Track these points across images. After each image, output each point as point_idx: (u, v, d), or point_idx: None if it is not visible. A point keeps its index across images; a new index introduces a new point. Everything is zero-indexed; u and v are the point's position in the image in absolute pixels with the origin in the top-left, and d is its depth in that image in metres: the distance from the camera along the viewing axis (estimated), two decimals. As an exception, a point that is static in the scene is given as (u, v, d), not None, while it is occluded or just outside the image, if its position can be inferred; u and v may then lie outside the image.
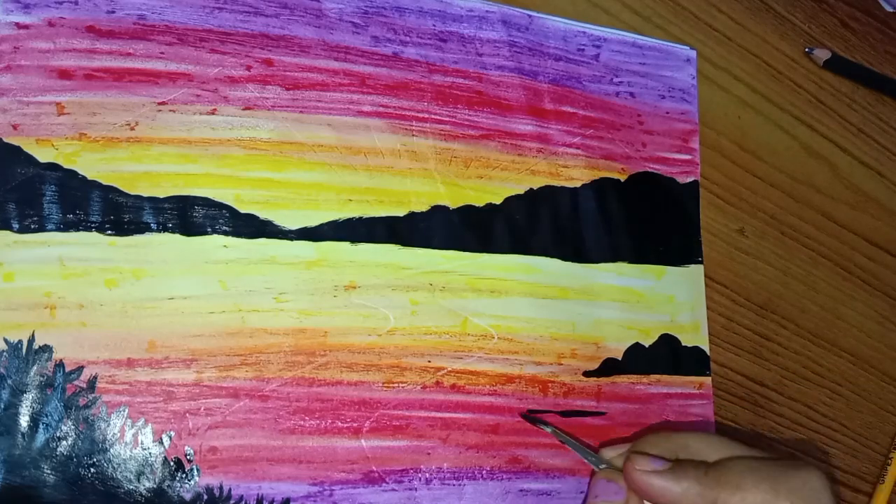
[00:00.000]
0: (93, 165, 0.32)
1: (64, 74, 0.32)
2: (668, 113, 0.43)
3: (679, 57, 0.43)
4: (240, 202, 0.34)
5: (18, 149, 0.31)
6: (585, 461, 0.36)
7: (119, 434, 0.31)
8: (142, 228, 0.32)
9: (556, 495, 0.37)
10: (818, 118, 0.47)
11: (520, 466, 0.36)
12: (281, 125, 0.35)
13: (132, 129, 0.33)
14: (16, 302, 0.31)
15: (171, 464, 0.31)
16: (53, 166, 0.32)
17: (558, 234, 0.39)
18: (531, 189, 0.39)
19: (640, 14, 0.43)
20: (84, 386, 0.31)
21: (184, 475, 0.32)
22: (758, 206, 0.45)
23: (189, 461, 0.32)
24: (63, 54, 0.32)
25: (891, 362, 0.47)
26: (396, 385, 0.35)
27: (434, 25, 0.38)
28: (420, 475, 0.35)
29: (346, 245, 0.35)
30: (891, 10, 0.50)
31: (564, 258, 0.39)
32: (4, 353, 0.30)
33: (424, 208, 0.37)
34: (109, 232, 0.32)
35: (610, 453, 0.36)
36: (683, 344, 0.41)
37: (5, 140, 0.31)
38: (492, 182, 0.38)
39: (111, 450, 0.31)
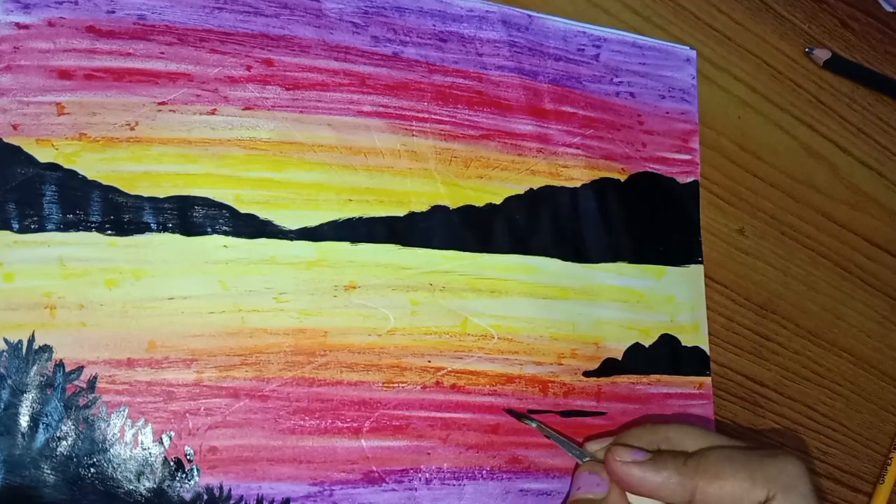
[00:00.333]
0: (93, 165, 0.32)
1: (64, 74, 0.32)
2: (668, 113, 0.43)
3: (679, 57, 0.43)
4: (240, 202, 0.34)
5: (18, 149, 0.31)
6: (570, 455, 0.36)
7: (119, 434, 0.31)
8: (142, 228, 0.32)
9: (556, 495, 0.37)
10: (818, 118, 0.47)
11: (520, 466, 0.36)
12: (281, 125, 0.35)
13: (132, 129, 0.33)
14: (16, 302, 0.31)
15: (171, 464, 0.31)
16: (53, 166, 0.32)
17: (558, 234, 0.39)
18: (531, 189, 0.39)
19: (640, 14, 0.43)
20: (84, 386, 0.31)
21: (184, 475, 0.32)
22: (758, 206, 0.45)
23: (189, 461, 0.32)
24: (63, 54, 0.32)
25: (891, 362, 0.47)
26: (396, 385, 0.35)
27: (434, 25, 0.38)
28: (420, 475, 0.35)
29: (346, 245, 0.35)
30: (891, 10, 0.50)
31: (564, 258, 0.39)
32: (4, 353, 0.30)
33: (424, 208, 0.37)
34: (109, 232, 0.32)
35: (594, 446, 0.36)
36: (683, 344, 0.41)
37: (5, 140, 0.31)
38: (492, 182, 0.38)
39: (111, 450, 0.31)
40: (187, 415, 0.32)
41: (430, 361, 0.36)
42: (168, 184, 0.33)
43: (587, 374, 0.38)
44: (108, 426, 0.31)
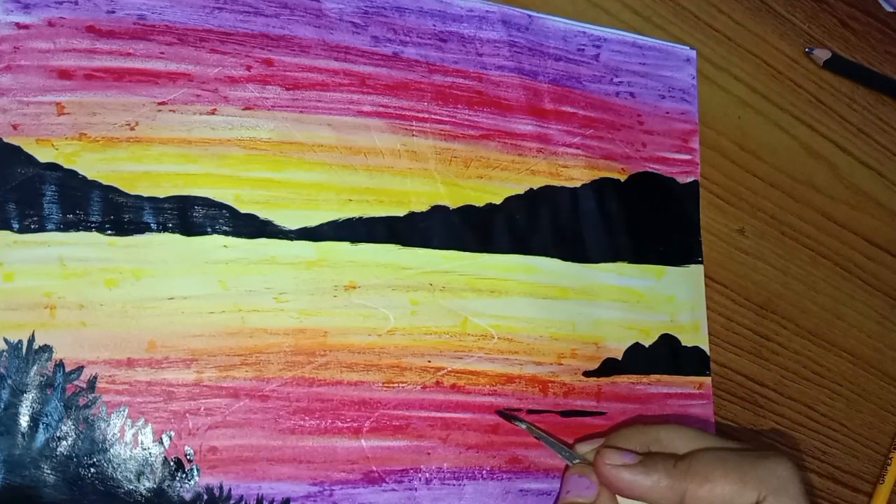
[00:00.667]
0: (93, 165, 0.32)
1: (64, 74, 0.32)
2: (668, 113, 0.43)
3: (679, 57, 0.43)
4: (240, 202, 0.34)
5: (18, 149, 0.31)
6: (560, 457, 0.36)
7: (119, 434, 0.31)
8: (142, 228, 0.32)
9: (555, 495, 0.37)
10: (818, 118, 0.47)
11: (520, 466, 0.36)
12: (281, 125, 0.35)
13: (132, 129, 0.33)
14: (16, 302, 0.31)
15: (171, 464, 0.31)
16: (53, 166, 0.32)
17: (558, 234, 0.39)
18: (531, 189, 0.39)
19: (640, 14, 0.43)
20: (84, 386, 0.31)
21: (184, 475, 0.32)
22: (758, 206, 0.45)
23: (189, 461, 0.32)
24: (63, 54, 0.32)
25: (891, 362, 0.47)
26: (396, 385, 0.35)
27: (434, 25, 0.38)
28: (420, 475, 0.35)
29: (346, 245, 0.35)
30: (891, 10, 0.50)
31: (564, 258, 0.39)
32: (4, 353, 0.30)
33: (424, 208, 0.37)
34: (109, 232, 0.32)
35: (584, 448, 0.36)
36: (683, 344, 0.41)
37: (5, 140, 0.31)
38: (492, 182, 0.38)
39: (111, 450, 0.31)
40: (187, 415, 0.32)
41: (430, 361, 0.36)
42: (168, 184, 0.33)
43: (587, 374, 0.38)
44: (108, 426, 0.31)
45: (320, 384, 0.34)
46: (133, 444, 0.31)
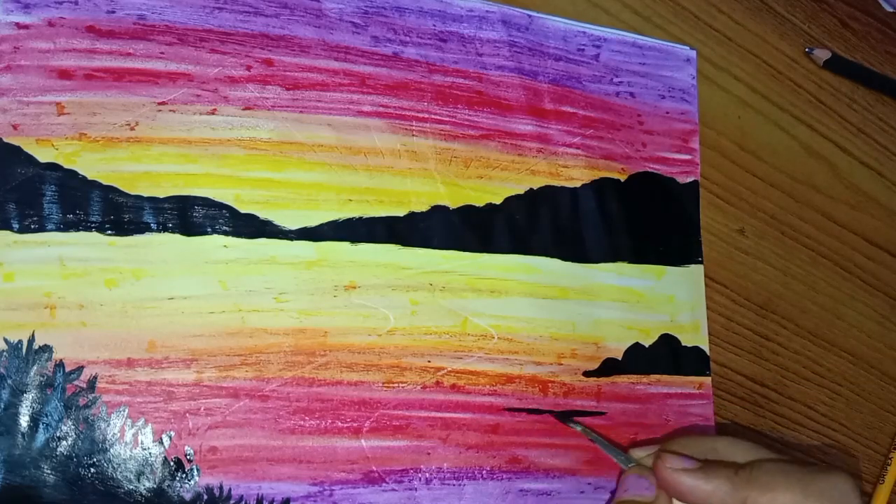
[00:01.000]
0: (93, 165, 0.32)
1: (64, 74, 0.32)
2: (668, 113, 0.43)
3: (679, 57, 0.43)
4: (240, 202, 0.34)
5: (18, 149, 0.31)
6: (615, 460, 0.36)
7: (119, 434, 0.31)
8: (142, 228, 0.32)
9: (556, 495, 0.37)
10: (818, 118, 0.47)
11: (520, 466, 0.36)
12: (281, 125, 0.35)
13: (132, 129, 0.33)
14: (16, 302, 0.31)
15: (171, 464, 0.31)
16: (53, 166, 0.32)
17: (558, 234, 0.39)
18: (531, 189, 0.39)
19: (640, 14, 0.43)
20: (84, 386, 0.31)
21: (184, 475, 0.32)
22: (758, 206, 0.45)
23: (189, 461, 0.32)
24: (63, 54, 0.32)
25: (891, 362, 0.47)
26: (396, 385, 0.35)
27: (434, 25, 0.38)
28: (420, 475, 0.35)
29: (346, 245, 0.35)
30: (891, 10, 0.50)
31: (564, 258, 0.39)
32: (4, 353, 0.30)
33: (424, 208, 0.37)
34: (109, 232, 0.32)
35: (639, 453, 0.36)
36: (683, 344, 0.41)
37: (5, 140, 0.31)
38: (492, 182, 0.38)
39: (111, 450, 0.31)
40: (187, 415, 0.32)
41: (430, 361, 0.36)
42: (168, 184, 0.33)
43: (587, 374, 0.38)
44: (108, 426, 0.31)
45: (320, 384, 0.34)
46: (133, 444, 0.31)
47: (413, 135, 0.37)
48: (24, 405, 0.30)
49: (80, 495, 0.30)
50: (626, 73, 0.42)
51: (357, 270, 0.35)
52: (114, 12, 0.33)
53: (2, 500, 0.29)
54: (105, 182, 0.32)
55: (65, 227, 0.32)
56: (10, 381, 0.30)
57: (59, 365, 0.31)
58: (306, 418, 0.33)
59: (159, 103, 0.33)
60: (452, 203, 0.37)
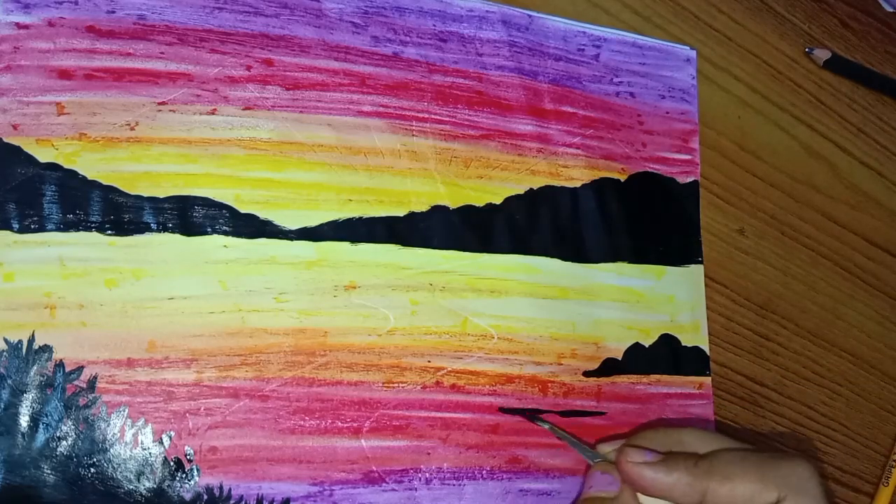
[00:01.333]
0: (93, 165, 0.32)
1: (64, 74, 0.32)
2: (668, 113, 0.43)
3: (679, 57, 0.43)
4: (240, 202, 0.34)
5: (18, 149, 0.31)
6: (582, 456, 0.36)
7: (119, 434, 0.31)
8: (142, 228, 0.32)
9: (556, 495, 0.37)
10: (818, 118, 0.47)
11: (520, 466, 0.36)
12: (281, 125, 0.35)
13: (132, 129, 0.33)
14: (16, 302, 0.31)
15: (171, 464, 0.31)
16: (53, 166, 0.32)
17: (558, 234, 0.39)
18: (531, 189, 0.39)
19: (640, 14, 0.43)
20: (84, 386, 0.31)
21: (184, 475, 0.32)
22: (758, 206, 0.45)
23: (189, 461, 0.32)
24: (63, 54, 0.32)
25: (891, 362, 0.47)
26: (396, 385, 0.35)
27: (434, 25, 0.38)
28: (420, 475, 0.35)
29: (346, 245, 0.35)
30: (891, 10, 0.50)
31: (564, 258, 0.39)
32: (4, 353, 0.30)
33: (424, 208, 0.37)
34: (109, 232, 0.32)
35: (606, 448, 0.36)
36: (683, 344, 0.41)
37: (5, 140, 0.31)
38: (492, 182, 0.38)
39: (111, 450, 0.31)
40: (187, 415, 0.32)
41: (430, 361, 0.36)
42: (168, 184, 0.33)
43: (587, 374, 0.38)
44: (108, 426, 0.31)
45: (320, 384, 0.34)
46: (133, 444, 0.31)
47: (413, 135, 0.37)
48: (24, 405, 0.30)
49: (80, 495, 0.30)
50: (626, 73, 0.42)
51: (357, 270, 0.35)
52: (114, 12, 0.33)
53: (2, 500, 0.29)
54: (105, 182, 0.32)
55: (65, 227, 0.32)
56: (10, 381, 0.30)
57: (59, 365, 0.31)
58: (306, 418, 0.33)
59: (159, 103, 0.33)
60: (452, 203, 0.37)
